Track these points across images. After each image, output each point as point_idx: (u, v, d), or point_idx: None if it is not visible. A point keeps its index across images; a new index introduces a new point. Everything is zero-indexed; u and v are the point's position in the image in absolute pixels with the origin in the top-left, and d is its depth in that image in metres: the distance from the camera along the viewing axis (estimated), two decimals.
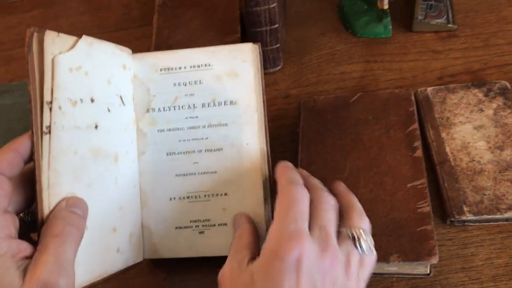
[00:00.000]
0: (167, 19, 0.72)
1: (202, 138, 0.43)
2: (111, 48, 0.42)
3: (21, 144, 0.33)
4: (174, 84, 0.45)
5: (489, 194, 0.47)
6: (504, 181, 0.47)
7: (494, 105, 0.54)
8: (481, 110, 0.54)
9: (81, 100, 0.37)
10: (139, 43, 0.74)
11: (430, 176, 0.49)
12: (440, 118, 0.54)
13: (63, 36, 0.36)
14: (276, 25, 0.60)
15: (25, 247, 0.30)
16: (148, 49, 0.70)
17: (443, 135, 0.52)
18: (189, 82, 0.45)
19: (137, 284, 0.48)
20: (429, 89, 0.57)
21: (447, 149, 0.51)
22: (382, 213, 0.45)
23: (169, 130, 0.44)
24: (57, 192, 0.34)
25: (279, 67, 0.65)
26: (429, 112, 0.54)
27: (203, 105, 0.44)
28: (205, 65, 0.45)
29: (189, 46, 0.66)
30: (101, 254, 0.38)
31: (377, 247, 0.36)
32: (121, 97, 0.43)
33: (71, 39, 0.37)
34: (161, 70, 0.45)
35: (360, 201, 0.39)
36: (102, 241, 0.38)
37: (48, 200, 0.33)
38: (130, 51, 0.46)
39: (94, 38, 0.39)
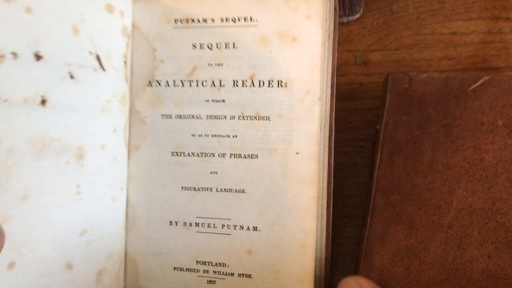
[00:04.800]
0: None
1: (228, 136, 0.30)
2: None
3: None
4: (194, 46, 0.31)
5: None
6: None
7: None
8: None
9: (14, 54, 0.25)
10: None
11: None
12: None
13: None
14: None
15: None
16: None
17: None
18: (218, 45, 0.31)
19: None
20: None
21: None
22: None
23: (179, 117, 0.31)
24: None
25: (357, 15, 0.46)
26: None
27: (235, 83, 0.30)
28: (245, 19, 0.31)
29: None
30: None
31: None
32: (98, 56, 0.29)
33: None
34: (176, 21, 0.31)
35: (467, 272, 0.29)
36: (44, 286, 0.26)
37: None
38: None
39: None
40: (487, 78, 0.36)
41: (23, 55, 0.25)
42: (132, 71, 0.31)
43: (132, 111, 0.31)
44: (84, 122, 0.28)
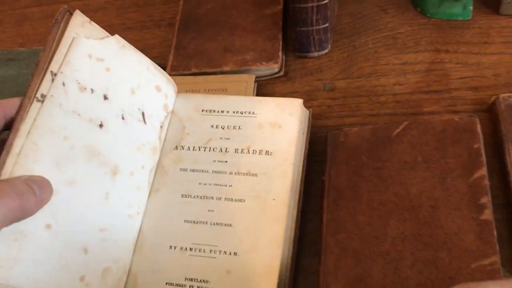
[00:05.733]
0: None
1: (226, 185, 0.40)
2: (146, 63, 0.41)
3: (9, 103, 0.31)
4: (212, 126, 0.43)
5: None
6: None
7: None
8: None
9: (92, 90, 0.35)
10: (166, 8, 0.66)
11: (503, 214, 0.39)
12: None
13: (94, 25, 0.36)
14: (326, 1, 0.48)
15: None
16: (174, 15, 0.62)
17: None
18: (228, 126, 0.43)
19: None
20: None
21: None
22: None
23: (193, 170, 0.41)
24: (27, 167, 0.30)
25: (325, 51, 0.54)
26: (511, 129, 0.42)
27: (236, 151, 0.42)
28: (249, 112, 0.43)
29: (220, 17, 0.56)
30: (57, 275, 0.32)
31: None
32: (143, 113, 0.40)
33: (103, 32, 0.37)
34: (202, 110, 0.44)
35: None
36: (62, 258, 0.32)
37: (12, 168, 0.29)
38: (175, 86, 0.45)
39: (128, 43, 0.39)
40: (406, 123, 0.43)
41: (97, 92, 0.36)
42: (166, 137, 0.43)
43: (159, 164, 0.42)
44: (124, 151, 0.38)
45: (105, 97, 0.36)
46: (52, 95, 0.32)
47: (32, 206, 0.29)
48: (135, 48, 0.40)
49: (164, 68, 0.55)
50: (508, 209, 0.39)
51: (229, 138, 0.42)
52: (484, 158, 0.39)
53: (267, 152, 0.41)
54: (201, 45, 0.56)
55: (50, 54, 0.33)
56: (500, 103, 0.44)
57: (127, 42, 0.39)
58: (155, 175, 0.41)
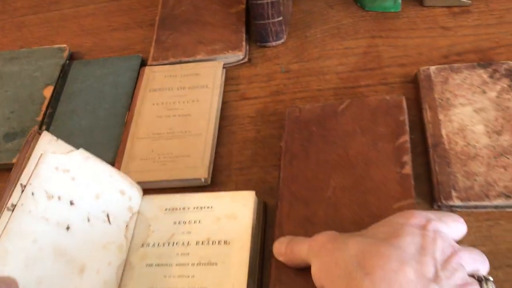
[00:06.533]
0: None
1: (188, 276, 0.42)
2: (110, 170, 0.45)
3: None
4: (175, 223, 0.46)
5: (480, 180, 0.46)
6: (497, 167, 0.46)
7: (498, 87, 0.52)
8: (484, 92, 0.52)
9: (59, 197, 0.39)
10: (147, 11, 0.75)
11: (422, 159, 0.49)
12: (440, 99, 0.52)
13: (61, 142, 0.40)
14: None
15: None
16: (154, 17, 0.72)
17: (441, 116, 0.51)
18: (189, 221, 0.46)
19: None
20: (432, 68, 0.55)
21: (443, 132, 0.50)
22: None
23: (158, 265, 0.44)
24: None
25: (281, 41, 0.65)
26: (428, 93, 0.53)
27: (197, 243, 0.44)
28: (208, 207, 0.46)
29: (193, 16, 0.67)
30: None
31: None
32: (108, 215, 0.43)
33: (67, 147, 0.41)
34: (166, 209, 0.47)
35: (341, 223, 0.39)
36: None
37: None
38: (139, 189, 0.48)
39: (92, 155, 0.43)
40: (349, 101, 0.52)
41: (63, 199, 0.39)
42: (134, 238, 0.46)
43: (127, 262, 0.44)
44: (90, 251, 0.41)
45: (71, 203, 0.39)
46: (22, 204, 0.35)
47: None
48: (99, 159, 0.44)
49: (146, 60, 0.66)
50: (425, 154, 0.49)
51: (190, 232, 0.45)
52: (407, 127, 0.48)
53: (225, 242, 0.43)
54: (177, 39, 0.66)
55: (21, 169, 0.36)
56: (420, 74, 0.55)
57: (90, 154, 0.42)
58: (123, 271, 0.44)
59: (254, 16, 0.61)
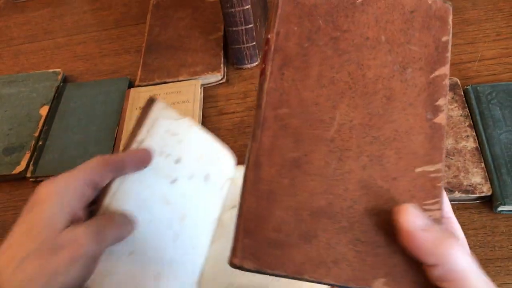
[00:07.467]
0: (159, 18, 0.80)
1: None
2: (210, 139, 0.49)
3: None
4: None
5: None
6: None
7: None
8: None
9: (168, 155, 0.44)
10: (134, 39, 0.83)
11: None
12: None
13: (171, 110, 0.45)
14: (251, 25, 0.67)
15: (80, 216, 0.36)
16: (141, 44, 0.79)
17: None
18: None
19: None
20: None
21: None
22: (372, 210, 0.30)
23: None
24: (118, 206, 0.38)
25: (256, 63, 0.72)
26: None
27: None
28: None
29: (176, 43, 0.74)
30: None
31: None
32: (207, 175, 0.48)
33: (177, 115, 0.46)
34: None
35: (344, 183, 0.29)
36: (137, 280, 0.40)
37: (107, 206, 0.38)
38: (235, 158, 0.52)
39: (196, 124, 0.47)
40: None
41: (172, 157, 0.44)
42: (226, 198, 0.49)
43: (220, 219, 0.48)
44: (191, 203, 0.45)
45: (177, 161, 0.44)
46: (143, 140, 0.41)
47: (126, 233, 0.37)
48: (202, 127, 0.48)
49: (133, 81, 0.73)
50: None
51: None
52: (449, 55, 0.34)
53: None
54: (162, 63, 0.73)
55: (140, 129, 0.42)
56: None
57: (195, 123, 0.47)
58: (216, 227, 0.47)
59: (231, 42, 0.69)
